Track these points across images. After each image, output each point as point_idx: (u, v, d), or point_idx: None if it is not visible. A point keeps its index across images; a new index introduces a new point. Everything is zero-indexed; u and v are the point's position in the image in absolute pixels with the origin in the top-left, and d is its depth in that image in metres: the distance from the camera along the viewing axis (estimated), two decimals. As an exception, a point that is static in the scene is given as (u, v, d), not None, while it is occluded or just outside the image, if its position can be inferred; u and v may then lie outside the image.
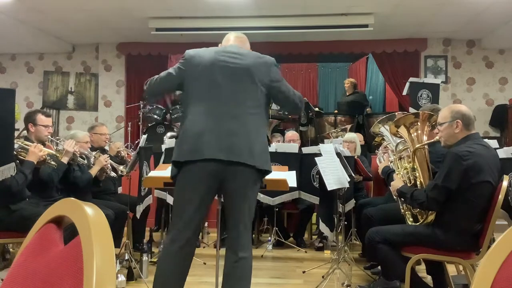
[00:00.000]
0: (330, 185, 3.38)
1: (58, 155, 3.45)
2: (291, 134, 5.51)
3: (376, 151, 4.15)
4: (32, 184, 3.17)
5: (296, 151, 4.73)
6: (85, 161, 3.78)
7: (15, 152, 3.00)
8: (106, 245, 0.74)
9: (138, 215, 3.79)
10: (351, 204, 4.18)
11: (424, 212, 2.71)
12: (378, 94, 9.42)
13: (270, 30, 7.03)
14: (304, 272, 3.86)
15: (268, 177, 2.42)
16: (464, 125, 2.63)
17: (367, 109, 7.90)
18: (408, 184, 2.83)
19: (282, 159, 4.48)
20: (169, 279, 2.22)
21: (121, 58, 8.48)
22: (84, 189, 3.75)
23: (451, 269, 3.26)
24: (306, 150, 4.81)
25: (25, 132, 3.53)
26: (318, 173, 3.96)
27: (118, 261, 3.72)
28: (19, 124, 5.26)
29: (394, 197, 2.97)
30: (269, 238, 4.86)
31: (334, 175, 3.41)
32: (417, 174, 2.78)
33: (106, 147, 4.53)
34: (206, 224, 5.08)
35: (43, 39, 7.90)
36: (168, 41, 7.72)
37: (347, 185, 3.48)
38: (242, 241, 2.29)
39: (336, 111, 7.99)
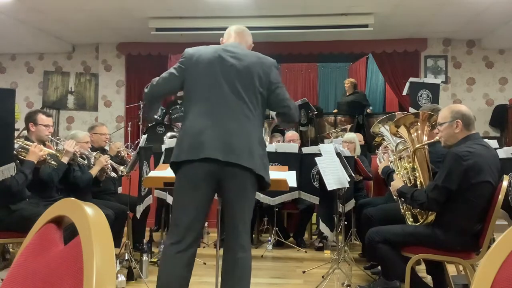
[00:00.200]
0: (330, 185, 3.38)
1: (58, 155, 3.45)
2: (291, 134, 5.51)
3: (376, 151, 4.15)
4: (32, 184, 3.17)
5: (296, 151, 4.73)
6: (85, 161, 3.78)
7: (15, 152, 3.00)
8: (106, 245, 0.74)
9: (138, 215, 3.79)
10: (351, 204, 4.18)
11: (424, 212, 2.71)
12: (378, 94, 9.43)
13: (270, 30, 7.03)
14: (304, 272, 3.86)
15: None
16: (464, 125, 2.63)
17: (368, 109, 7.90)
18: (408, 184, 2.83)
19: (282, 159, 4.48)
20: (174, 284, 2.21)
21: (121, 58, 8.48)
22: (84, 189, 3.75)
23: (451, 269, 3.26)
24: (306, 150, 4.81)
25: (25, 132, 3.53)
26: (318, 173, 3.96)
27: (118, 261, 3.72)
28: (19, 124, 5.26)
29: (394, 197, 2.97)
30: (269, 238, 4.86)
31: (334, 175, 3.41)
32: (417, 174, 2.78)
33: (106, 147, 4.53)
34: (206, 224, 5.07)
35: (43, 39, 7.90)
36: (168, 41, 7.73)
37: (347, 185, 3.48)
38: (241, 241, 2.28)
39: (336, 111, 8.01)
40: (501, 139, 7.53)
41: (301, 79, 10.29)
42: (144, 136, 3.97)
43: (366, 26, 6.78)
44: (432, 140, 2.77)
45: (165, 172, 2.54)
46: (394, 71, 8.03)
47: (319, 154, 3.62)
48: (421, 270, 3.45)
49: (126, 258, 3.61)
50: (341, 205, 3.70)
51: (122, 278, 3.36)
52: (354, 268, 3.69)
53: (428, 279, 3.22)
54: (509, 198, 3.37)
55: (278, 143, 5.31)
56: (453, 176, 2.50)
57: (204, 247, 4.77)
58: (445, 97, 7.68)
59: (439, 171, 2.62)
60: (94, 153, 3.91)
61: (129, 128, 7.65)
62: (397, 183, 2.87)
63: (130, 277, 3.50)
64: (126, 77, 8.48)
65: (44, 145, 3.39)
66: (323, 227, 4.03)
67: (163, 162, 4.13)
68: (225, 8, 6.35)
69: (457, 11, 6.42)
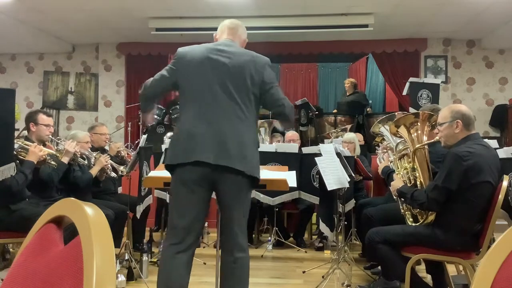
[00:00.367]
0: (330, 185, 3.38)
1: (58, 155, 3.45)
2: (291, 134, 5.51)
3: (376, 151, 4.15)
4: (32, 184, 3.17)
5: (296, 151, 4.73)
6: (85, 162, 3.78)
7: (15, 152, 3.00)
8: (106, 245, 0.74)
9: (138, 215, 3.79)
10: (351, 204, 4.18)
11: (424, 212, 2.71)
12: (378, 94, 9.43)
13: (270, 30, 7.03)
14: (304, 272, 3.86)
15: (268, 177, 2.41)
16: (464, 125, 2.62)
17: (368, 109, 7.90)
18: (408, 184, 2.83)
19: (282, 159, 4.48)
20: (174, 284, 2.21)
21: (121, 58, 8.48)
22: (84, 189, 3.75)
23: (451, 269, 3.26)
24: (306, 150, 4.82)
25: (25, 132, 3.53)
26: (318, 173, 3.96)
27: (118, 261, 3.72)
28: (19, 124, 5.27)
29: (394, 197, 2.97)
30: (269, 238, 4.86)
31: (334, 175, 3.41)
32: (417, 174, 2.78)
33: (106, 147, 4.53)
34: (206, 224, 5.07)
35: (43, 39, 7.90)
36: (168, 41, 7.72)
37: (347, 185, 3.48)
38: (238, 241, 2.27)
39: (336, 111, 8.00)
40: (501, 139, 7.53)
41: (301, 79, 10.28)
42: (144, 136, 3.97)
43: (366, 26, 6.78)
44: (432, 140, 2.77)
45: (165, 172, 2.53)
46: (394, 71, 8.03)
47: (319, 154, 3.62)
48: (421, 270, 3.45)
49: (126, 258, 3.61)
50: (341, 205, 3.70)
51: (122, 278, 3.36)
52: (354, 268, 3.69)
53: (428, 279, 3.22)
54: (509, 198, 3.37)
55: (278, 143, 5.31)
56: (453, 176, 2.50)
57: (204, 247, 4.77)
58: (445, 97, 7.67)
59: (439, 171, 2.62)
60: (94, 153, 3.91)
61: (129, 128, 7.65)
62: (397, 183, 2.87)
63: (130, 277, 3.50)
64: (126, 77, 8.48)
65: (44, 145, 3.39)
66: (323, 227, 4.03)
67: (163, 162, 4.13)
68: (225, 8, 6.35)
69: (457, 11, 6.42)
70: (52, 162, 3.35)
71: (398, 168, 3.00)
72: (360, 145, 5.06)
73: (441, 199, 2.54)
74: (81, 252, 0.74)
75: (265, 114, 7.54)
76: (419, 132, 2.81)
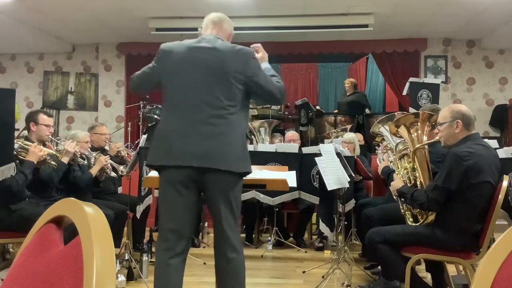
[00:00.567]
0: (330, 185, 3.38)
1: (58, 155, 3.45)
2: (291, 134, 5.51)
3: (376, 151, 4.15)
4: (32, 184, 3.17)
5: (296, 151, 4.73)
6: (85, 162, 3.78)
7: (15, 152, 3.00)
8: (106, 245, 0.74)
9: (138, 215, 3.79)
10: (351, 204, 4.18)
11: (424, 212, 2.71)
12: (378, 94, 9.42)
13: (270, 30, 7.03)
14: (304, 272, 3.86)
15: (268, 177, 2.41)
16: (464, 125, 2.62)
17: (366, 110, 7.89)
18: (408, 184, 2.83)
19: (282, 159, 4.48)
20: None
21: (121, 58, 8.48)
22: (84, 189, 3.75)
23: (451, 269, 3.26)
24: (306, 150, 4.82)
25: (25, 132, 3.53)
26: (318, 173, 3.96)
27: (118, 261, 3.72)
28: (19, 124, 5.27)
29: (394, 197, 2.97)
30: (269, 238, 4.86)
31: (334, 175, 3.41)
32: (417, 174, 2.78)
33: (106, 147, 4.53)
34: (206, 224, 5.08)
35: (43, 39, 7.90)
36: (168, 41, 7.71)
37: (347, 185, 3.48)
38: (231, 242, 2.23)
39: (336, 111, 8.00)
40: (501, 139, 7.53)
41: (301, 79, 10.27)
42: (144, 136, 3.97)
43: (366, 26, 6.78)
44: (432, 140, 2.77)
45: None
46: (394, 71, 8.03)
47: (319, 154, 3.62)
48: (421, 270, 3.45)
49: (126, 258, 3.61)
50: (341, 205, 3.70)
51: (122, 278, 3.36)
52: (354, 268, 3.69)
53: (428, 278, 3.22)
54: (509, 198, 3.37)
55: (278, 143, 5.31)
56: (453, 176, 2.50)
57: (204, 247, 4.77)
58: (445, 97, 7.67)
59: (439, 171, 2.62)
60: (94, 153, 3.91)
61: (129, 128, 7.65)
62: (397, 183, 2.87)
63: (130, 277, 3.50)
64: (126, 77, 8.47)
65: (44, 145, 3.39)
66: (323, 227, 4.03)
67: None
68: (225, 8, 6.33)
69: (457, 11, 6.42)
70: (52, 162, 3.35)
71: (398, 168, 3.00)
72: (360, 145, 5.06)
73: (441, 199, 2.54)
74: (81, 252, 0.74)
75: (265, 114, 7.58)
76: (419, 132, 2.81)
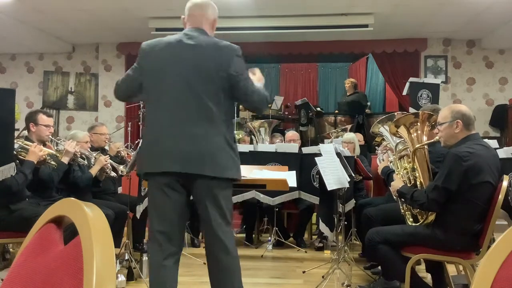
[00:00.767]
0: (330, 185, 3.38)
1: (58, 155, 3.45)
2: (291, 134, 5.51)
3: (376, 151, 4.15)
4: (32, 184, 3.18)
5: (296, 151, 4.73)
6: (85, 162, 3.78)
7: (15, 152, 3.00)
8: (106, 245, 0.74)
9: (138, 215, 3.79)
10: (351, 204, 4.18)
11: (424, 213, 2.71)
12: (378, 94, 9.42)
13: (270, 30, 7.03)
14: (304, 272, 3.86)
15: (268, 177, 2.41)
16: (464, 125, 2.62)
17: (367, 110, 7.90)
18: (408, 184, 2.83)
19: (282, 159, 4.48)
20: None
21: (121, 58, 8.48)
22: (84, 189, 3.75)
23: (451, 269, 3.26)
24: (306, 150, 4.82)
25: (25, 132, 3.53)
26: (318, 173, 3.96)
27: (118, 261, 3.72)
28: (19, 124, 5.27)
29: (394, 197, 2.97)
30: (269, 238, 4.86)
31: (334, 175, 3.41)
32: (417, 174, 2.78)
33: (106, 147, 4.53)
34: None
35: (43, 39, 7.90)
36: (168, 41, 7.71)
37: (347, 185, 3.48)
38: (223, 243, 2.18)
39: (336, 111, 8.00)
40: (501, 139, 7.53)
41: (301, 79, 10.27)
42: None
43: (366, 26, 6.78)
44: (432, 140, 2.77)
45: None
46: (394, 71, 8.03)
47: (319, 154, 3.62)
48: (421, 269, 3.45)
49: (126, 258, 3.61)
50: (341, 205, 3.70)
51: (122, 278, 3.36)
52: (354, 268, 3.69)
53: (428, 278, 3.22)
54: (509, 198, 3.37)
55: (278, 143, 5.31)
56: (453, 177, 2.50)
57: (204, 247, 4.76)
58: (445, 97, 7.67)
59: (439, 171, 2.62)
60: (94, 153, 3.91)
61: (129, 128, 7.64)
62: (397, 183, 2.87)
63: (130, 277, 3.50)
64: (126, 77, 8.47)
65: (45, 145, 3.39)
66: (323, 227, 4.03)
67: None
68: (225, 8, 6.34)
69: (457, 11, 6.42)
70: (52, 162, 3.35)
71: (398, 168, 3.00)
72: (360, 145, 5.06)
73: (441, 200, 2.54)
74: (81, 252, 0.74)
75: (265, 114, 7.58)
76: (419, 132, 2.81)
